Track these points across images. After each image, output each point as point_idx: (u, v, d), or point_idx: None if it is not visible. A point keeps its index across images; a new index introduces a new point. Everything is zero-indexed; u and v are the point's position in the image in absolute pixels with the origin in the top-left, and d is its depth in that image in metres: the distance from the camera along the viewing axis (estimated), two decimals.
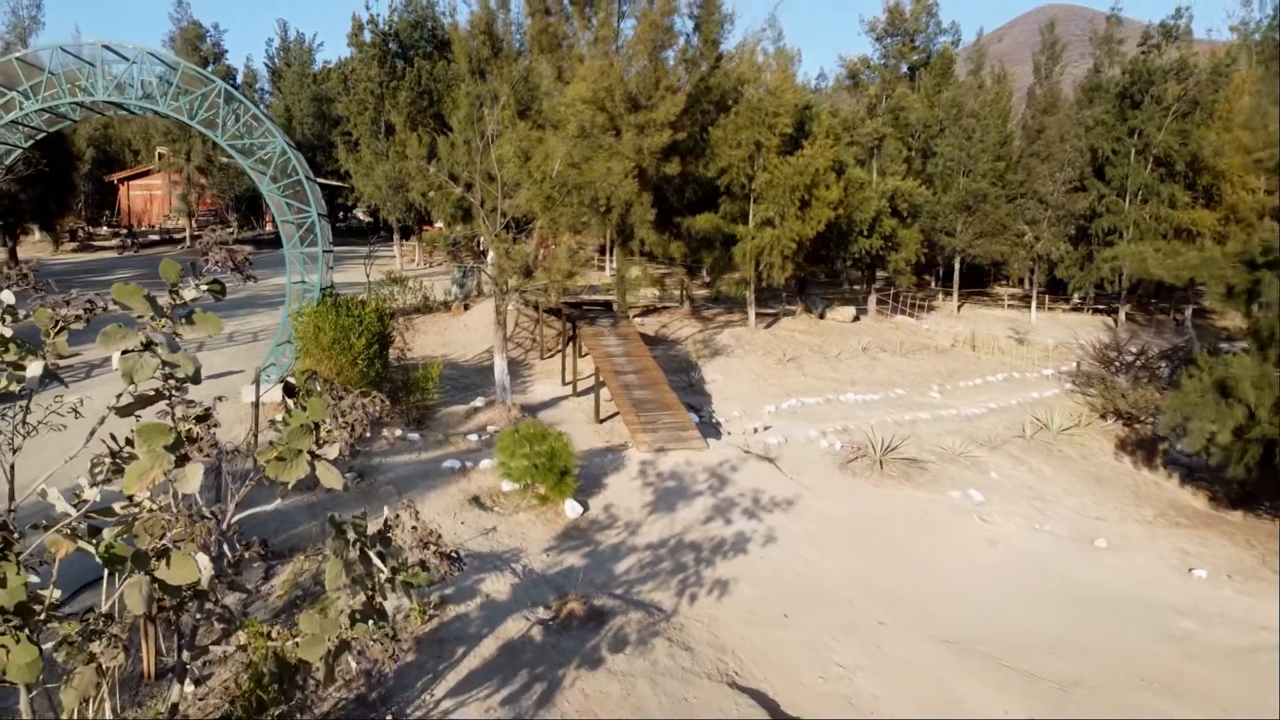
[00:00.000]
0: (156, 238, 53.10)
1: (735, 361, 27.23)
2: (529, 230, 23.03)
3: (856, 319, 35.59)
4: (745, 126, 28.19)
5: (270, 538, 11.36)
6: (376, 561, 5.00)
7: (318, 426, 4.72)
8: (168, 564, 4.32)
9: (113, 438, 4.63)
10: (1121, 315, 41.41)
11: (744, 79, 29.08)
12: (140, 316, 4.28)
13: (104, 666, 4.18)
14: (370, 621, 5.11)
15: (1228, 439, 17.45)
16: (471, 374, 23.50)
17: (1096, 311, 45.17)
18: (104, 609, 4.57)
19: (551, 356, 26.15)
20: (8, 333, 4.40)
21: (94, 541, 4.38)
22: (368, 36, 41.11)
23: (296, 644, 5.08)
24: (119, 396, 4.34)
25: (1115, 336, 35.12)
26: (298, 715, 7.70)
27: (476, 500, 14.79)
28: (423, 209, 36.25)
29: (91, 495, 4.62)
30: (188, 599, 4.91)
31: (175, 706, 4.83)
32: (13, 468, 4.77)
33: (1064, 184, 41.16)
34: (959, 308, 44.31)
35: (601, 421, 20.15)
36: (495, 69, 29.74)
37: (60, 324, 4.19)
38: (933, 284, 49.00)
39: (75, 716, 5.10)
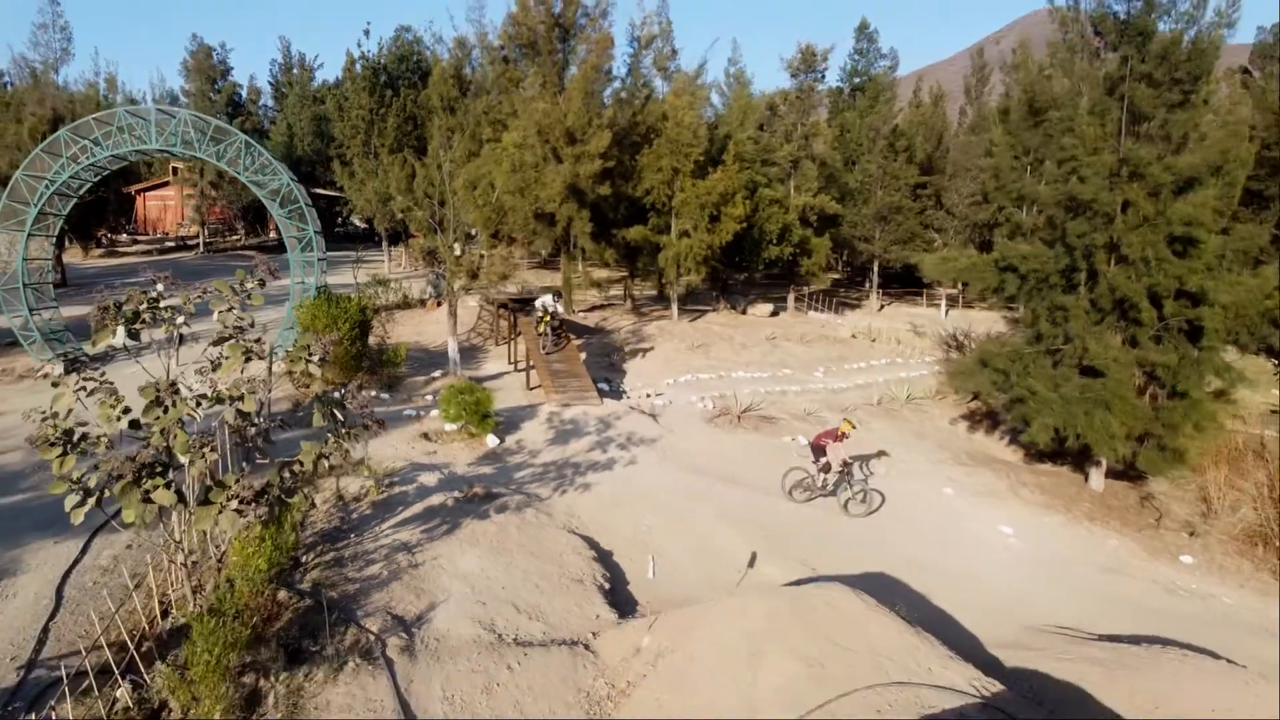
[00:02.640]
0: (173, 244, 59.39)
1: (654, 347, 33.50)
2: (476, 241, 29.19)
3: (774, 314, 41.85)
4: (665, 155, 34.45)
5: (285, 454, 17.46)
6: (338, 414, 11.33)
7: (308, 348, 11.05)
8: (244, 401, 10.62)
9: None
10: (1021, 310, 47.55)
11: (665, 116, 35.30)
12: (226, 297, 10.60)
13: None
14: (337, 442, 11.48)
15: (989, 394, 23.75)
16: (436, 355, 29.69)
17: (1009, 308, 51.29)
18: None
19: (504, 343, 32.38)
20: (176, 302, 10.69)
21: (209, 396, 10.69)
22: (359, 69, 47.38)
23: (300, 461, 11.44)
24: (219, 339, 10.65)
25: (992, 328, 41.27)
26: (303, 508, 13.77)
27: (425, 435, 21.05)
28: (405, 221, 42.47)
29: (212, 377, 10.92)
30: (249, 429, 11.21)
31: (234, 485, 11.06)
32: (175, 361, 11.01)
33: (968, 197, 47.36)
34: (881, 307, 50.52)
35: (531, 389, 26.38)
36: (462, 106, 36.02)
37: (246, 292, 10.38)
38: (865, 284, 55.18)
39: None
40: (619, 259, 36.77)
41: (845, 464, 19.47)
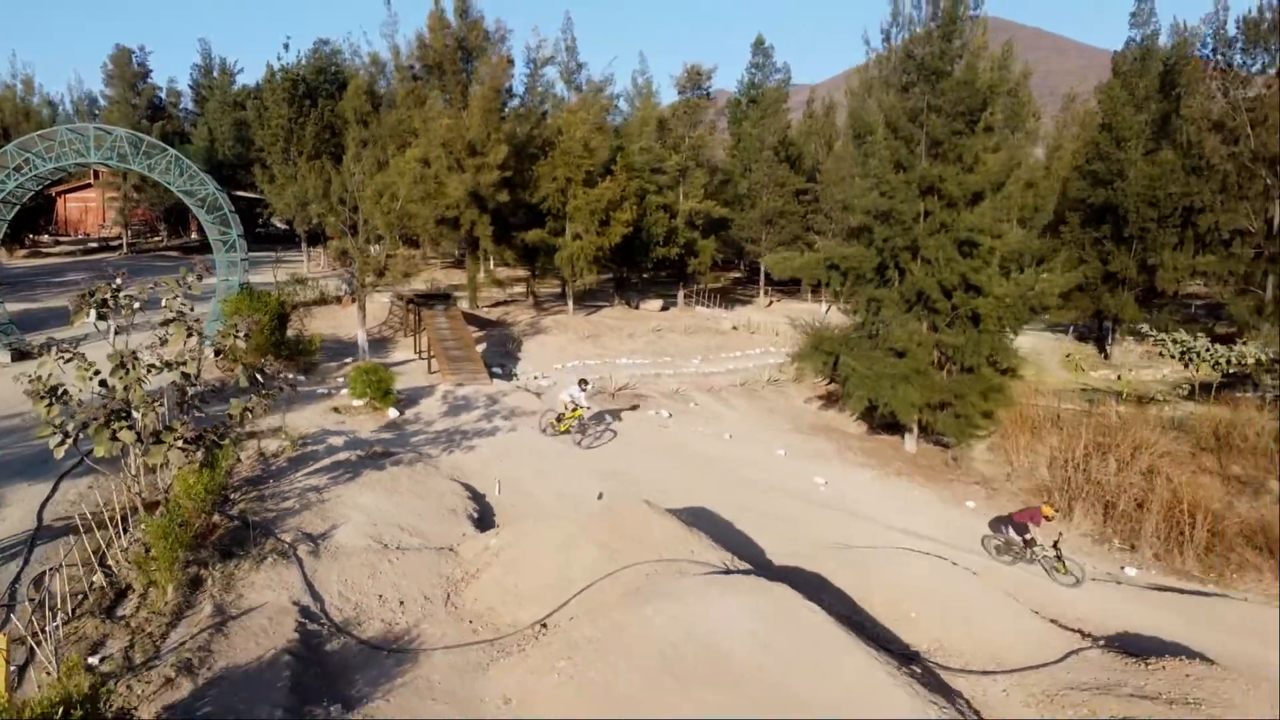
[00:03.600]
0: (96, 245, 61.34)
1: (549, 337, 37.48)
2: (384, 243, 32.70)
3: (665, 309, 46.14)
4: (559, 166, 38.42)
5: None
6: (259, 376, 15.18)
7: (236, 327, 14.89)
8: (187, 365, 14.39)
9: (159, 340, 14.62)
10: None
11: (560, 130, 39.26)
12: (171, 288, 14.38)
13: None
14: (258, 399, 15.34)
15: (822, 374, 28.27)
16: (348, 345, 33.15)
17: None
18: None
19: (411, 335, 35.98)
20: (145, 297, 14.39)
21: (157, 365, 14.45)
22: (279, 80, 50.25)
23: (232, 415, 15.24)
24: (165, 321, 14.42)
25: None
26: (230, 457, 17.36)
27: (335, 409, 24.69)
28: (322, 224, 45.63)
29: (160, 352, 14.65)
30: (189, 389, 14.95)
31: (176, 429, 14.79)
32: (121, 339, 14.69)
33: (840, 202, 52.24)
34: (770, 303, 55.22)
35: (432, 373, 30.09)
36: (375, 120, 39.49)
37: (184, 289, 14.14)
38: (761, 281, 59.83)
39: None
40: (519, 259, 40.69)
41: (1030, 539, 20.21)
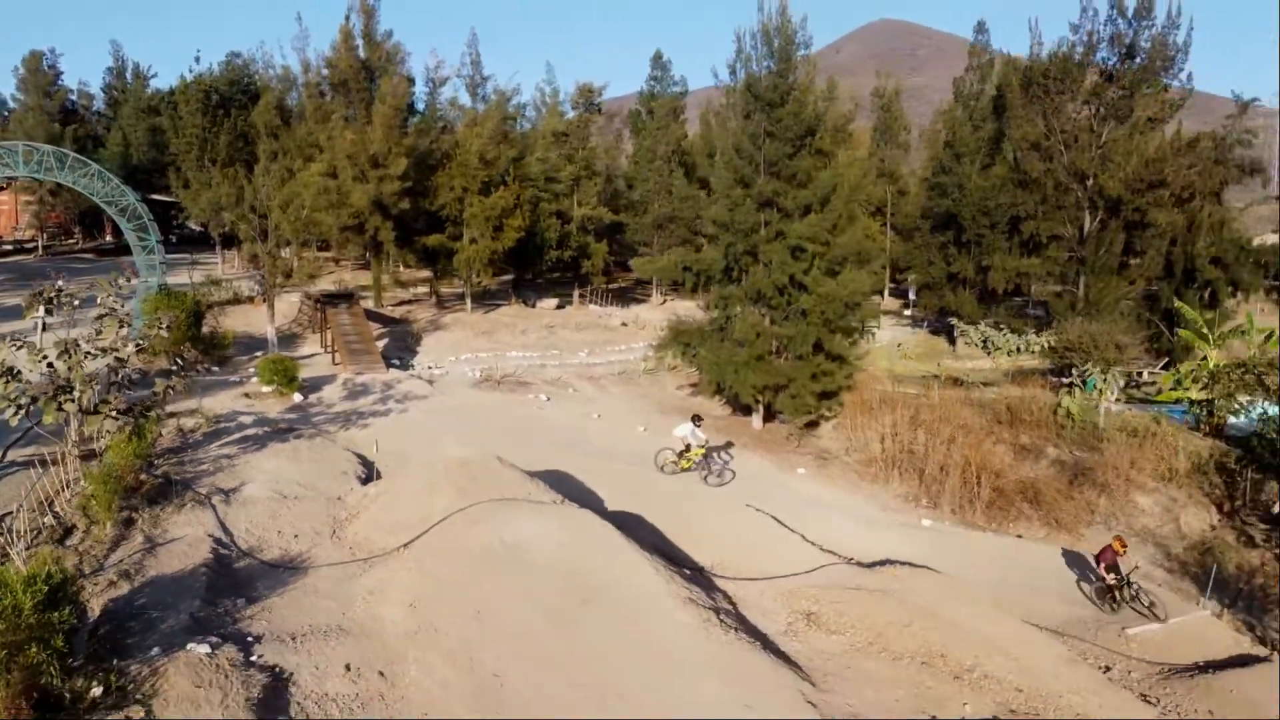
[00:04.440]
0: (10, 247, 62.90)
1: (447, 333, 41.24)
2: (292, 247, 36.10)
3: (560, 307, 50.15)
4: (457, 176, 42.16)
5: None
6: (179, 361, 18.91)
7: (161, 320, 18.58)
8: (120, 350, 18.04)
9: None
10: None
11: (458, 144, 43.00)
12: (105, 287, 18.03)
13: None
14: (178, 377, 19.06)
15: (679, 362, 32.58)
16: (259, 341, 36.39)
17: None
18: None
19: (318, 331, 39.37)
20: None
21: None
22: (192, 91, 52.90)
23: (156, 391, 18.96)
24: (100, 315, 18.06)
25: None
26: (154, 430, 20.82)
27: (246, 395, 28.16)
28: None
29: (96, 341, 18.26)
30: (121, 371, 18.59)
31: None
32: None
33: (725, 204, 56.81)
34: (663, 301, 59.58)
35: (335, 364, 33.64)
36: (285, 133, 42.71)
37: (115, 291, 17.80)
38: (655, 282, 64.16)
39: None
40: (421, 261, 44.28)
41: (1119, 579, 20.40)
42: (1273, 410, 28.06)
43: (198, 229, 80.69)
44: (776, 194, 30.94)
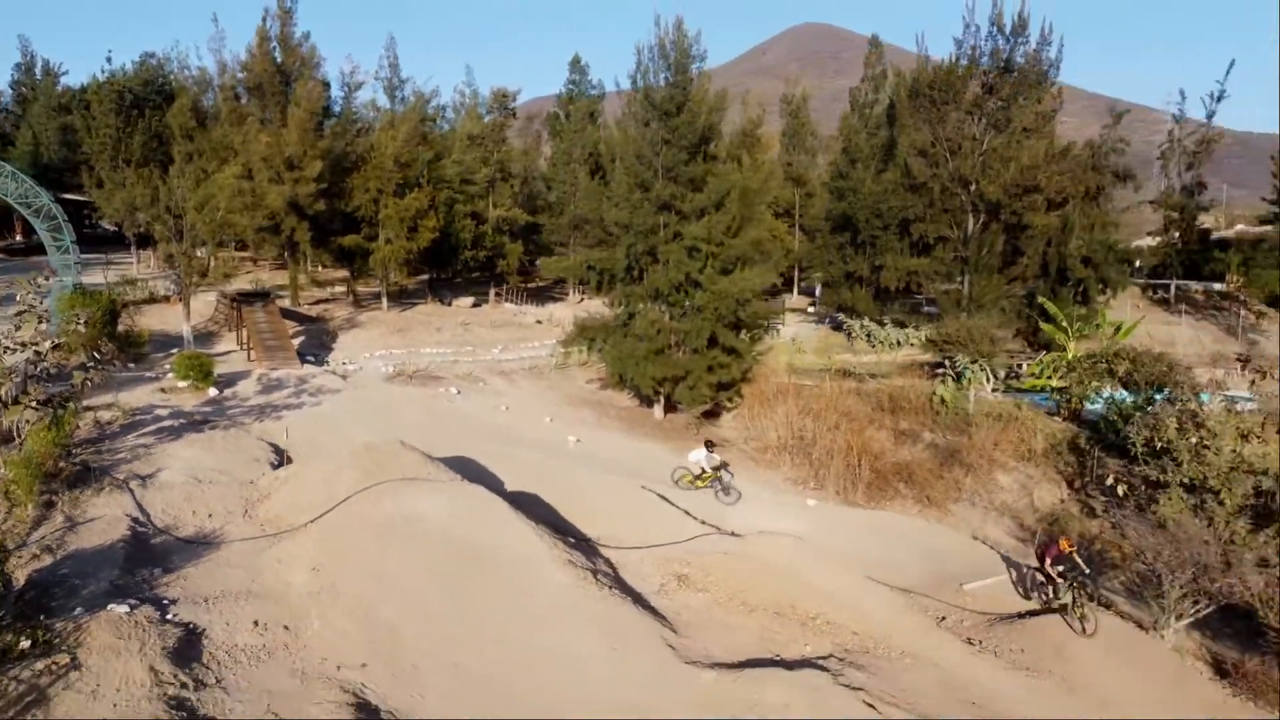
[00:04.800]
0: None
1: (363, 331, 42.47)
2: (208, 247, 36.99)
3: (476, 306, 51.59)
4: (372, 179, 43.38)
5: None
6: (96, 355, 20.18)
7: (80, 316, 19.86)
8: (39, 345, 19.25)
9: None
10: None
11: (372, 147, 44.22)
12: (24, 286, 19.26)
13: None
14: (94, 369, 20.34)
15: (586, 357, 34.42)
16: (176, 339, 37.22)
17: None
18: None
19: (234, 329, 40.26)
20: None
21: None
22: (105, 93, 52.92)
23: (74, 384, 20.18)
24: (19, 312, 19.28)
25: None
26: (73, 421, 21.94)
27: (162, 390, 29.19)
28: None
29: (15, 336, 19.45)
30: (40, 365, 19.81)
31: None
32: None
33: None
34: (580, 299, 61.32)
35: (251, 360, 34.71)
36: (200, 135, 43.41)
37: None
38: (572, 281, 65.85)
39: None
40: (337, 261, 45.37)
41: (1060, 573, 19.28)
42: (1119, 396, 30.99)
43: (111, 228, 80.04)
44: (674, 198, 32.98)
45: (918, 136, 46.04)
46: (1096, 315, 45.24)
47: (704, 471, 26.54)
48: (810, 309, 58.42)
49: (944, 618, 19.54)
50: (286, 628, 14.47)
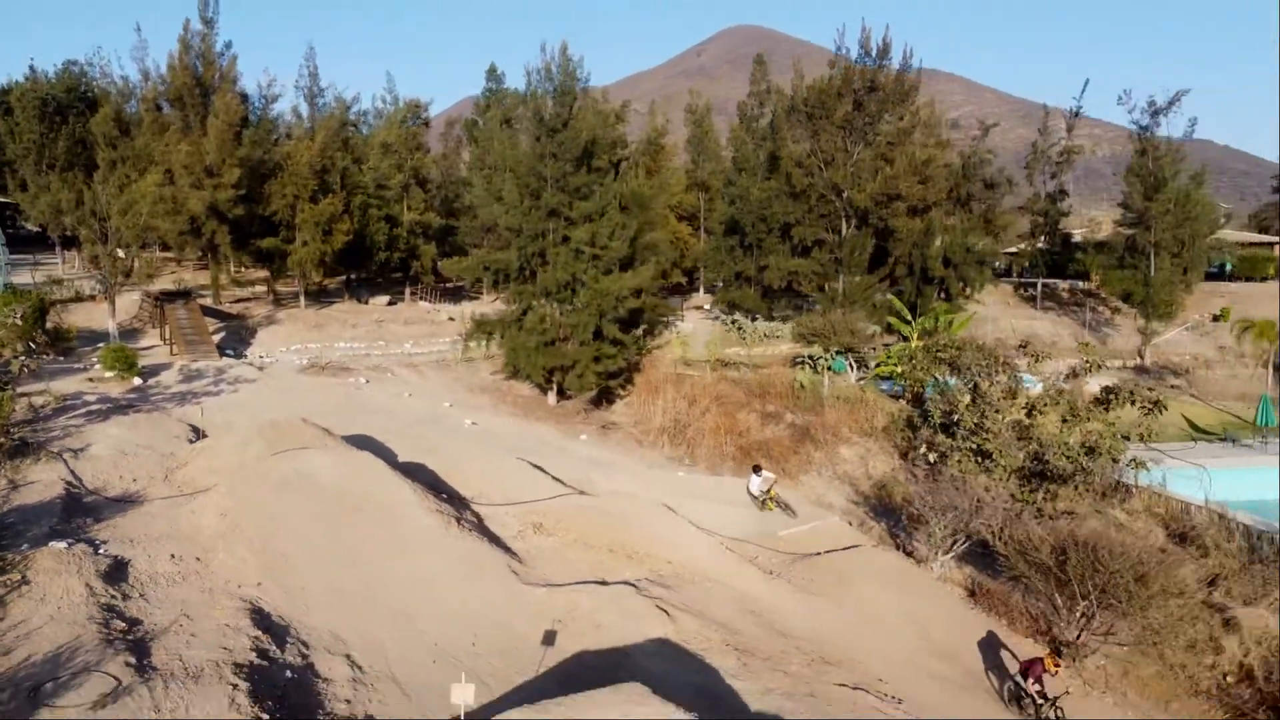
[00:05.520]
0: None
1: (281, 327, 45.53)
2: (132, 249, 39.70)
3: (391, 304, 54.83)
4: (288, 185, 46.43)
5: None
6: (31, 345, 23.40)
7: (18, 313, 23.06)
8: None
9: None
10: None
11: (289, 155, 47.25)
12: None
13: None
14: (28, 355, 23.59)
15: (481, 351, 38.08)
16: (102, 334, 39.96)
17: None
18: None
19: (157, 326, 43.04)
20: None
21: None
22: (28, 99, 54.82)
23: (11, 371, 23.36)
24: None
25: None
26: (9, 407, 24.96)
27: (90, 379, 32.14)
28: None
29: None
30: None
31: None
32: None
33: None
34: (495, 299, 64.72)
35: (173, 355, 37.66)
36: (123, 143, 46.00)
37: None
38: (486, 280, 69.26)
39: None
40: (257, 262, 48.31)
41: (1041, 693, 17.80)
42: (949, 381, 35.61)
43: (34, 229, 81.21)
44: (560, 205, 36.82)
45: (796, 149, 50.58)
46: (959, 311, 50.35)
47: (767, 493, 26.94)
48: (705, 306, 62.71)
49: (756, 557, 23.67)
50: (198, 559, 17.97)
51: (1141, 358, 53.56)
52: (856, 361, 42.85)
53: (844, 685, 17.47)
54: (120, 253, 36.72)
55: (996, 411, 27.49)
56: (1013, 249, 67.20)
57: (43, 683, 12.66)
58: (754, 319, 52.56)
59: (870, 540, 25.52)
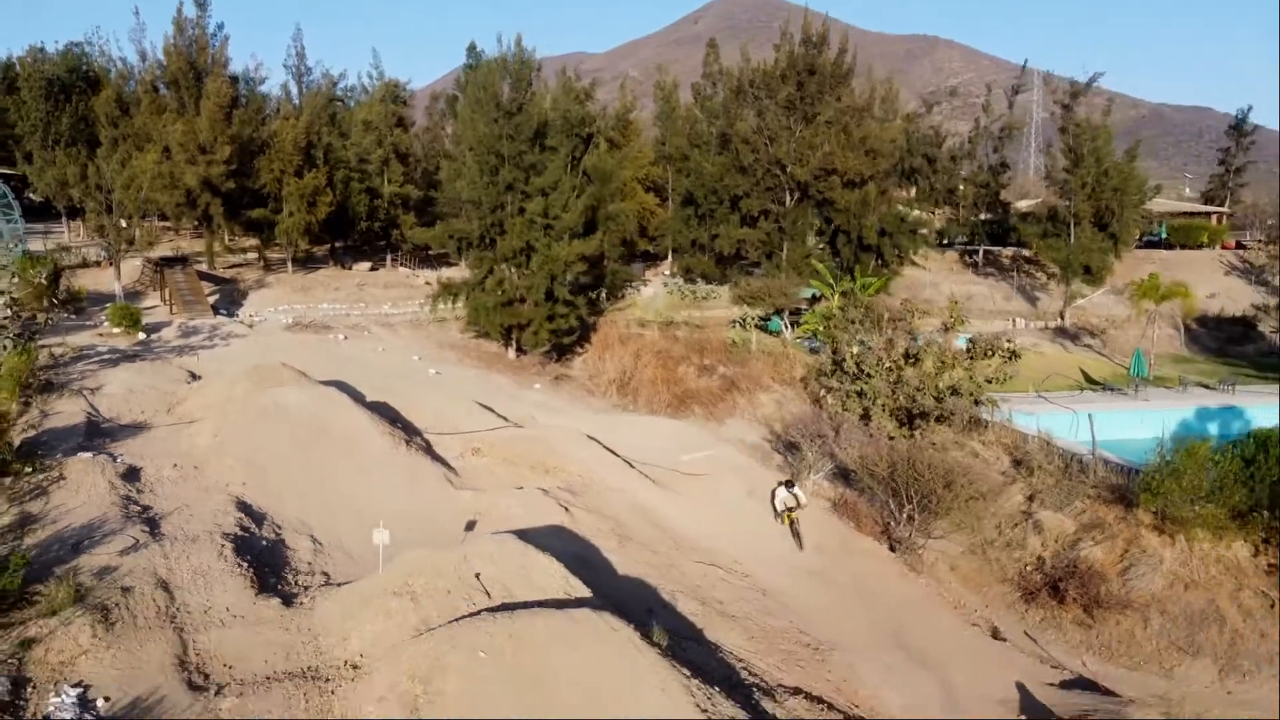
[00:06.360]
0: None
1: (269, 290, 50.14)
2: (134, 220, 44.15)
3: (373, 269, 59.34)
4: (275, 161, 50.81)
5: None
6: (52, 302, 28.19)
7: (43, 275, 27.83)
8: (15, 289, 27.09)
9: None
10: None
11: (275, 133, 51.59)
12: None
13: None
14: (51, 310, 28.42)
15: (450, 311, 42.73)
16: (108, 296, 44.55)
17: None
18: None
19: (157, 289, 47.61)
20: None
21: None
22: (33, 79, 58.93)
23: (38, 323, 28.12)
24: None
25: None
26: (34, 356, 29.64)
27: (100, 334, 36.82)
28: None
29: None
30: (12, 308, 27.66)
31: None
32: None
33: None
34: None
35: (172, 314, 42.30)
36: (124, 122, 50.34)
37: None
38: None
39: None
40: (247, 231, 52.84)
41: None
42: (862, 339, 40.28)
43: (39, 200, 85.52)
44: (517, 180, 41.32)
45: (743, 126, 54.90)
46: (896, 275, 55.02)
47: (791, 506, 25.07)
48: (665, 271, 67.26)
49: (660, 478, 28.45)
50: (195, 468, 22.73)
51: (1063, 319, 58.28)
52: (791, 322, 47.56)
53: (701, 562, 22.36)
54: (124, 223, 41.19)
55: (879, 361, 32.18)
56: (957, 220, 71.60)
57: (80, 541, 17.42)
58: (709, 284, 57.22)
59: (759, 465, 30.30)
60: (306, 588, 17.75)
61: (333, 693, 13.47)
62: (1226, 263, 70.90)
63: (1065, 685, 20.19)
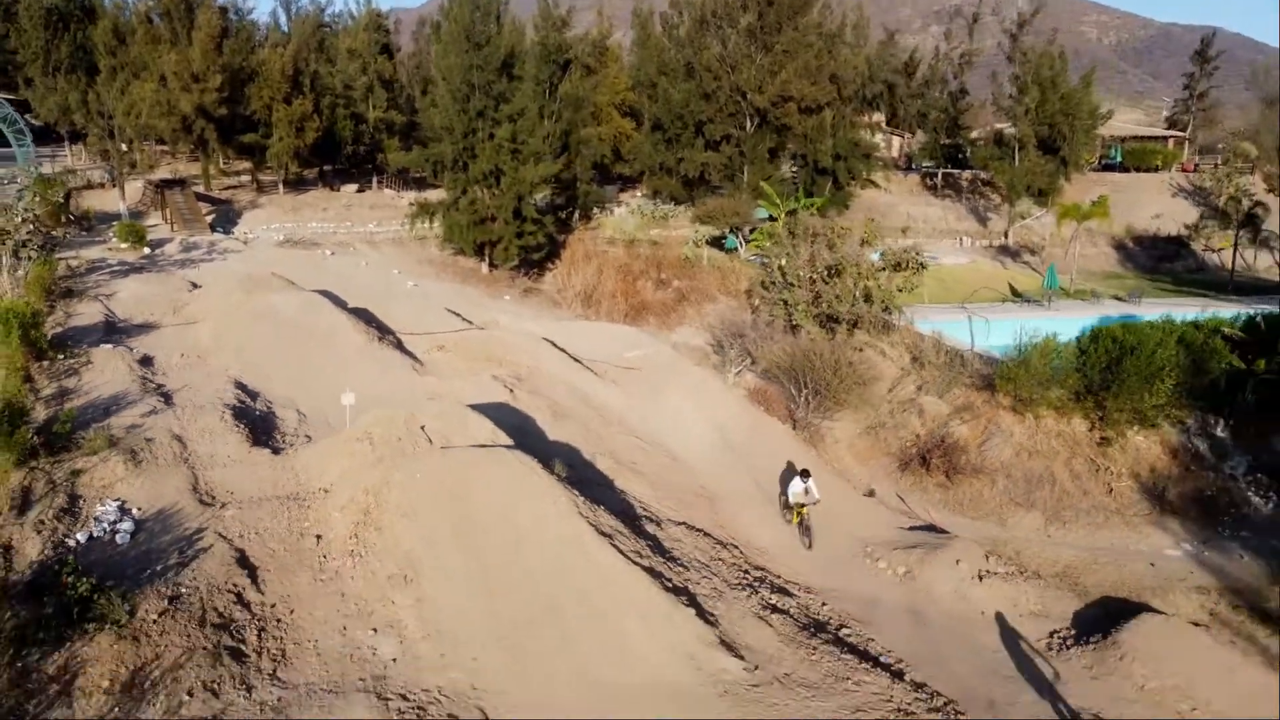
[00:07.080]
0: None
1: (262, 210, 53.98)
2: (133, 144, 47.77)
3: (360, 191, 62.98)
4: (265, 88, 54.12)
5: None
6: (69, 218, 32.27)
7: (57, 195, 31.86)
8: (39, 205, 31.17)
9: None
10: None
11: (263, 62, 54.80)
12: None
13: None
14: (67, 226, 32.52)
15: (428, 229, 46.67)
16: (114, 215, 48.40)
17: None
18: None
19: (159, 209, 51.43)
20: None
21: None
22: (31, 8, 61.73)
23: (57, 236, 32.23)
24: (20, 189, 31.16)
25: None
26: (55, 267, 33.76)
27: (109, 249, 40.85)
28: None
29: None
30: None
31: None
32: None
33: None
34: None
35: (173, 231, 46.24)
36: (122, 51, 53.56)
37: None
38: None
39: None
40: (240, 155, 56.45)
41: None
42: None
43: (39, 124, 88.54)
44: (486, 108, 44.86)
45: (706, 55, 58.01)
46: (851, 197, 58.73)
47: (803, 503, 22.57)
48: (640, 194, 70.84)
49: (606, 373, 32.78)
50: (199, 357, 27.04)
51: (1006, 237, 62.14)
52: (745, 240, 51.48)
53: (627, 435, 26.82)
54: (125, 147, 44.86)
55: (801, 274, 36.25)
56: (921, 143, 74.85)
57: (109, 407, 21.78)
58: (677, 205, 60.92)
59: (691, 364, 34.62)
60: (293, 445, 22.20)
61: (308, 506, 17.95)
62: (1176, 185, 74.25)
63: (913, 529, 24.87)
